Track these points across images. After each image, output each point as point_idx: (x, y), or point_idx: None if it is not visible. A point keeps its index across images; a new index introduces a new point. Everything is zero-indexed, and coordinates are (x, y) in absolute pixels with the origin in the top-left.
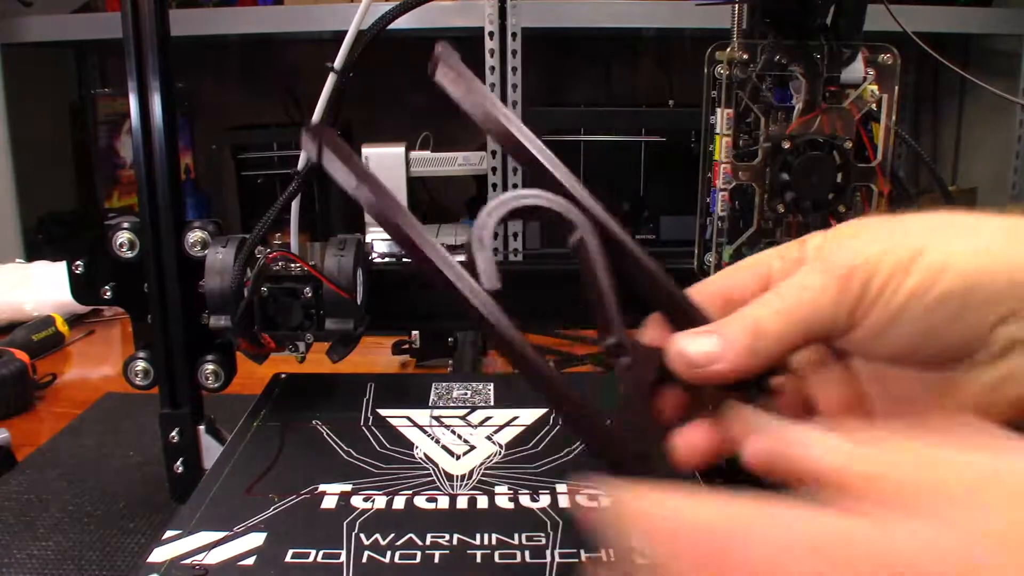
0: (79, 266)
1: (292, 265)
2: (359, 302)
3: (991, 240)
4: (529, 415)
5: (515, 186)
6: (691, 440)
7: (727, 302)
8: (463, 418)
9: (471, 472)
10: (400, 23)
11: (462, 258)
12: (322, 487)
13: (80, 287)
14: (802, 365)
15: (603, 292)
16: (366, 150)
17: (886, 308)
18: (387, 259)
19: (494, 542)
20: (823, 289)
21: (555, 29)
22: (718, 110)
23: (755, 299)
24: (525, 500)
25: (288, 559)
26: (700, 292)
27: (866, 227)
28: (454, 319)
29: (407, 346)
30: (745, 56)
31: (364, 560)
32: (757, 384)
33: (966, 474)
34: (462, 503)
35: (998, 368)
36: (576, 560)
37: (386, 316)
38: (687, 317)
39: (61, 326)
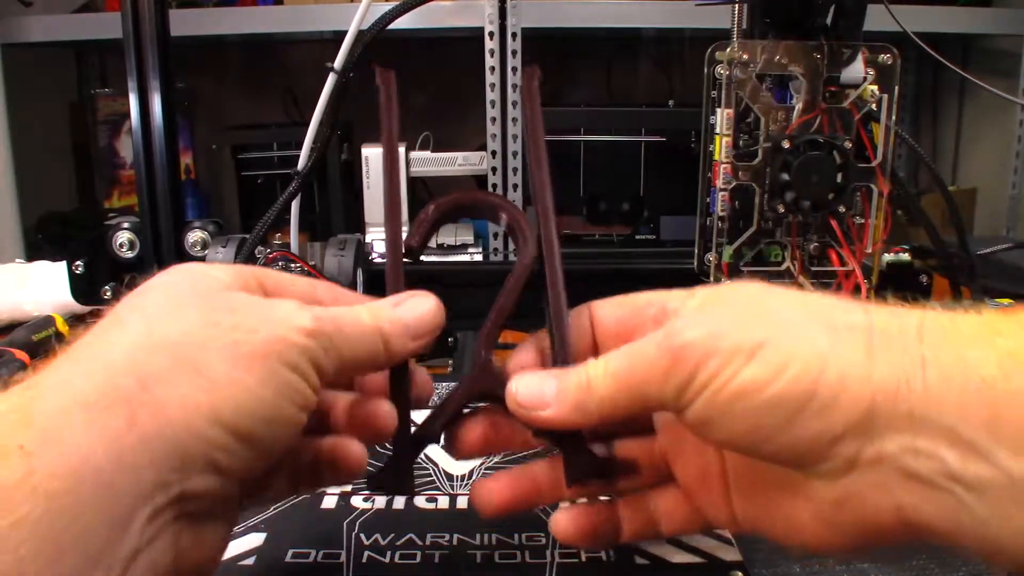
0: (79, 266)
1: (292, 265)
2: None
3: (845, 346)
4: None
5: (515, 186)
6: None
7: (620, 336)
8: None
9: (471, 472)
10: (400, 23)
11: (464, 257)
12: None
13: (80, 287)
14: (663, 428)
15: (498, 303)
16: (366, 150)
17: (712, 400)
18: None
19: (494, 542)
20: (654, 362)
21: (555, 29)
22: (718, 110)
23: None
24: None
25: (288, 559)
26: (607, 314)
27: (734, 297)
28: (454, 319)
29: None
30: (745, 56)
31: (364, 560)
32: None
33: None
34: (462, 503)
35: (838, 487)
36: (576, 560)
37: None
38: (560, 351)
39: (61, 326)
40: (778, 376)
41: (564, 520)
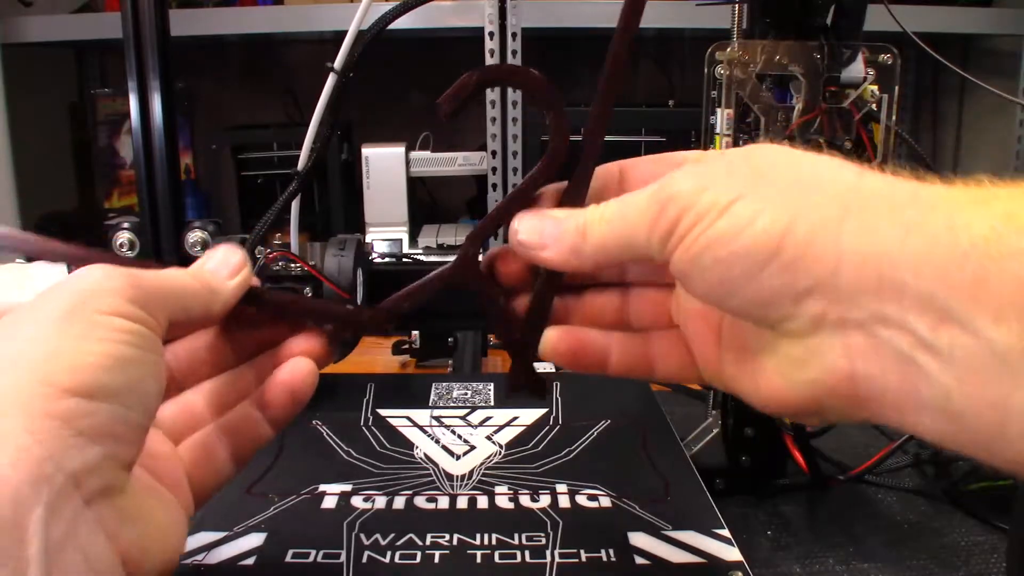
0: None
1: (292, 265)
2: (359, 302)
3: (819, 206)
4: (529, 415)
5: (514, 186)
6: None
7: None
8: (463, 418)
9: (471, 472)
10: (400, 23)
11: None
12: (322, 487)
13: None
14: (638, 278)
15: (500, 204)
16: (366, 150)
17: (688, 249)
18: (387, 259)
19: (494, 542)
20: (644, 212)
21: (555, 29)
22: (718, 110)
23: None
24: (525, 500)
25: (288, 559)
26: (641, 169)
27: (736, 154)
28: (454, 319)
29: (407, 346)
30: (745, 56)
31: (364, 560)
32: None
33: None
34: (462, 503)
35: (801, 346)
36: (576, 560)
37: None
38: (573, 192)
39: None
40: (745, 229)
41: (555, 336)
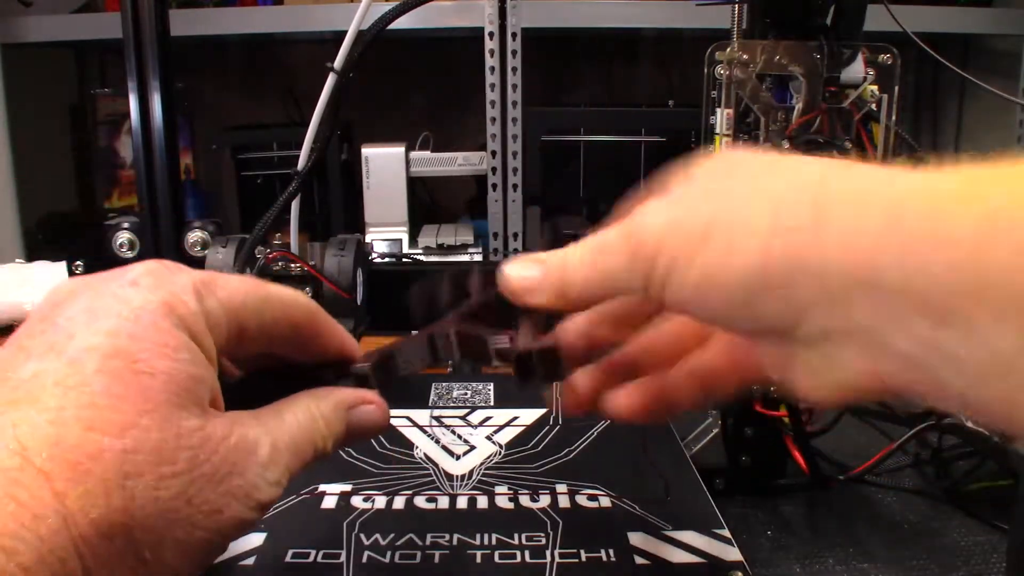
0: (79, 266)
1: (292, 265)
2: (359, 302)
3: (789, 217)
4: (529, 415)
5: (515, 187)
6: None
7: None
8: (463, 418)
9: (471, 472)
10: (400, 23)
11: (464, 258)
12: (322, 487)
13: None
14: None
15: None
16: (366, 150)
17: (681, 287)
18: (387, 259)
19: (494, 542)
20: (619, 252)
21: (555, 29)
22: (718, 110)
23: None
24: (525, 500)
25: (288, 559)
26: None
27: (697, 173)
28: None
29: None
30: (745, 56)
31: (364, 560)
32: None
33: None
34: (462, 503)
35: (818, 352)
36: (576, 560)
37: (386, 316)
38: None
39: None
40: (729, 259)
41: (617, 399)
